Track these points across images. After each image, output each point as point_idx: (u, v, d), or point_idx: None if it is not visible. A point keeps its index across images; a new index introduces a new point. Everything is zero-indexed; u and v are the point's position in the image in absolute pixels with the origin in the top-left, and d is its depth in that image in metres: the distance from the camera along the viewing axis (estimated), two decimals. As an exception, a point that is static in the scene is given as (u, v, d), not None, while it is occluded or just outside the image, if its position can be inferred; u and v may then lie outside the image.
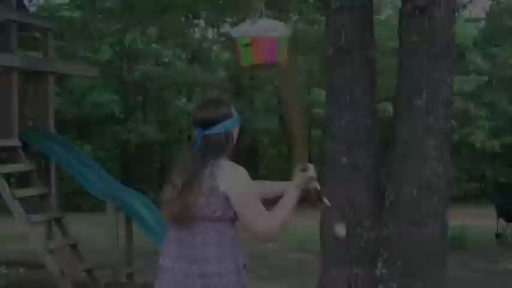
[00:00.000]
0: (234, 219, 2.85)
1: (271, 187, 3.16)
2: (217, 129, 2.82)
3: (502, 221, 10.44)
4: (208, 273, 2.76)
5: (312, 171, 2.95)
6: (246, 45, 4.32)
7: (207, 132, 2.83)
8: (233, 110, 2.94)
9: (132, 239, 7.88)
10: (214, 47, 24.53)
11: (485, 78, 20.14)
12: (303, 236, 11.48)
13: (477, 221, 12.71)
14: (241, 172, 2.82)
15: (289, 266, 8.75)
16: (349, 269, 5.52)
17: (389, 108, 16.82)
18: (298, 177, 2.94)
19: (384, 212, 5.50)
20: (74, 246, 7.65)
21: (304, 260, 9.23)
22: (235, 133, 2.95)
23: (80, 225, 13.17)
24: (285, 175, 19.22)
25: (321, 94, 18.24)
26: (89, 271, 7.53)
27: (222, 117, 2.85)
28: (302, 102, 2.87)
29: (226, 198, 2.76)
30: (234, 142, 2.95)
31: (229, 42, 22.40)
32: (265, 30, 4.42)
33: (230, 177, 2.78)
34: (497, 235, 10.41)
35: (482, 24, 22.70)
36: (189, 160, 2.87)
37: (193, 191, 2.77)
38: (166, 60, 19.51)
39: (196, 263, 2.78)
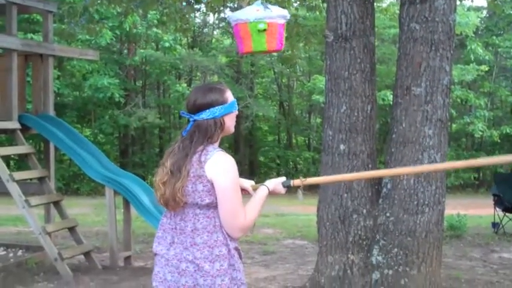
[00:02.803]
0: None
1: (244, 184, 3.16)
2: (206, 115, 2.84)
3: (499, 211, 10.46)
4: (200, 258, 2.79)
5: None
6: (261, 30, 4.31)
7: (196, 117, 2.85)
8: (227, 97, 2.92)
9: (130, 223, 7.90)
10: (215, 32, 24.48)
11: (486, 67, 20.12)
12: (300, 223, 11.53)
13: (474, 210, 12.76)
14: (228, 161, 2.81)
15: (286, 253, 8.78)
16: (345, 255, 5.55)
17: (389, 96, 16.81)
18: (273, 183, 3.05)
19: (381, 199, 5.53)
20: (72, 229, 7.67)
21: (301, 247, 9.27)
22: (229, 120, 2.93)
23: (78, 209, 13.21)
24: (283, 162, 19.16)
25: (320, 81, 18.21)
26: (86, 254, 7.56)
27: (211, 103, 2.86)
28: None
29: (213, 186, 2.78)
30: (229, 129, 2.96)
31: (230, 27, 22.39)
32: (279, 17, 4.42)
33: (217, 165, 2.78)
34: (494, 225, 10.43)
35: (484, 13, 22.61)
36: (178, 144, 2.90)
37: (180, 176, 2.80)
38: (167, 44, 19.44)
39: (189, 248, 2.81)
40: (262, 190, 2.99)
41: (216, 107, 2.86)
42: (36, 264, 7.52)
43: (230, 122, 2.94)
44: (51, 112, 8.29)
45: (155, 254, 2.95)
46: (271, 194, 3.04)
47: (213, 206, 2.81)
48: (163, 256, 2.87)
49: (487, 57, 20.55)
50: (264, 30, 4.27)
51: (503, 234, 10.06)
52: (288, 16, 4.63)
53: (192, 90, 3.01)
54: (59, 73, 18.36)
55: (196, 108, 2.84)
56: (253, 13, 4.32)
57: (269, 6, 4.48)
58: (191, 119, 2.87)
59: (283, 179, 3.09)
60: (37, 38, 14.90)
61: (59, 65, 18.54)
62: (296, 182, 3.09)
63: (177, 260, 2.82)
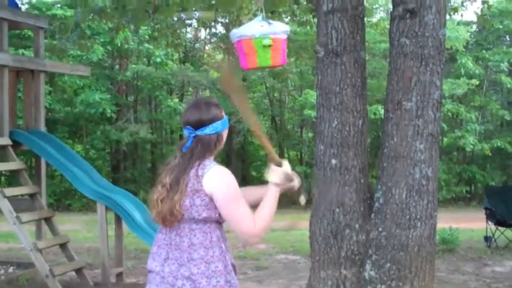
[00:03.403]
0: (221, 220, 2.87)
1: (251, 191, 3.10)
2: (209, 130, 2.85)
3: (491, 225, 10.48)
4: (196, 274, 2.78)
5: (286, 165, 2.96)
6: (267, 46, 4.31)
7: (199, 132, 2.85)
8: (223, 113, 2.96)
9: (122, 239, 7.87)
10: (206, 47, 24.53)
11: (476, 81, 20.23)
12: (293, 238, 11.50)
13: (466, 224, 12.77)
14: (226, 173, 2.82)
15: (279, 268, 8.75)
16: (337, 270, 5.53)
17: (380, 111, 16.86)
18: (274, 173, 2.93)
19: (373, 214, 5.52)
20: (63, 246, 7.63)
21: (293, 262, 9.24)
22: (225, 135, 2.96)
23: (69, 225, 13.15)
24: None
25: (312, 95, 18.26)
26: (78, 271, 7.51)
27: (213, 118, 2.87)
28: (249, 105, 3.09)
29: (211, 200, 2.78)
30: (222, 144, 2.97)
31: (225, 42, 22.43)
32: (282, 32, 4.43)
33: (215, 179, 2.78)
34: (487, 238, 10.44)
35: (473, 27, 22.77)
36: (178, 159, 2.89)
37: (178, 189, 2.79)
38: (158, 60, 19.49)
39: (186, 264, 2.79)
40: (271, 191, 2.91)
41: (218, 122, 2.89)
42: (28, 281, 7.48)
43: (225, 137, 2.97)
44: (43, 128, 8.27)
45: (149, 271, 2.92)
46: (284, 190, 2.95)
47: (210, 220, 2.80)
48: (159, 273, 2.84)
49: (477, 71, 20.67)
50: (269, 45, 4.27)
51: (496, 248, 10.07)
52: (289, 31, 4.65)
53: (190, 105, 3.00)
54: (50, 89, 18.33)
55: (200, 124, 2.85)
56: (258, 29, 4.31)
57: (271, 21, 4.48)
58: (192, 135, 2.86)
59: (285, 165, 2.97)
60: (28, 53, 14.89)
61: (50, 80, 18.51)
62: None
63: (172, 277, 2.80)
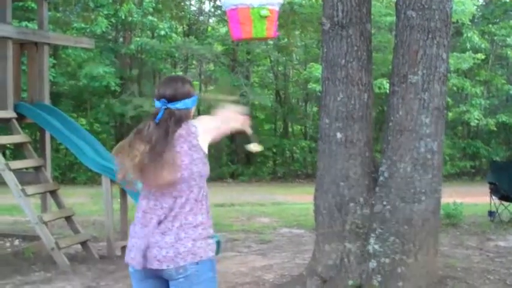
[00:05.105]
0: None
1: None
2: (180, 105, 3.03)
3: (495, 199, 10.47)
4: None
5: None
6: (263, 16, 4.27)
7: (171, 106, 3.02)
8: (195, 91, 3.15)
9: (126, 212, 7.89)
10: (211, 20, 24.39)
11: (482, 56, 20.09)
12: (297, 212, 11.53)
13: (470, 198, 12.77)
14: None
15: (283, 241, 8.78)
16: (342, 244, 5.55)
17: (385, 85, 16.78)
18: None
19: (378, 188, 5.53)
20: (68, 219, 7.66)
21: (297, 236, 9.27)
22: (193, 111, 3.14)
23: (75, 198, 13.19)
24: (279, 151, 19.19)
25: (317, 69, 18.17)
26: (83, 243, 7.55)
27: (186, 94, 3.07)
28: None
29: None
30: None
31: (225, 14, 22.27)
32: (278, 4, 4.38)
33: None
34: (491, 213, 10.45)
35: (480, 1, 22.56)
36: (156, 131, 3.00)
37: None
38: (162, 32, 19.41)
39: None
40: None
41: (189, 99, 3.09)
42: (33, 254, 7.51)
43: (193, 112, 3.16)
44: (47, 101, 8.26)
45: None
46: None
47: None
48: None
49: (483, 46, 20.51)
50: (266, 16, 4.23)
51: (500, 223, 10.08)
52: (281, 2, 4.60)
53: (167, 79, 3.19)
54: (54, 61, 18.29)
55: (174, 98, 3.03)
56: None
57: None
58: (164, 107, 3.02)
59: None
60: (32, 26, 14.82)
61: (54, 53, 18.46)
62: None
63: None
